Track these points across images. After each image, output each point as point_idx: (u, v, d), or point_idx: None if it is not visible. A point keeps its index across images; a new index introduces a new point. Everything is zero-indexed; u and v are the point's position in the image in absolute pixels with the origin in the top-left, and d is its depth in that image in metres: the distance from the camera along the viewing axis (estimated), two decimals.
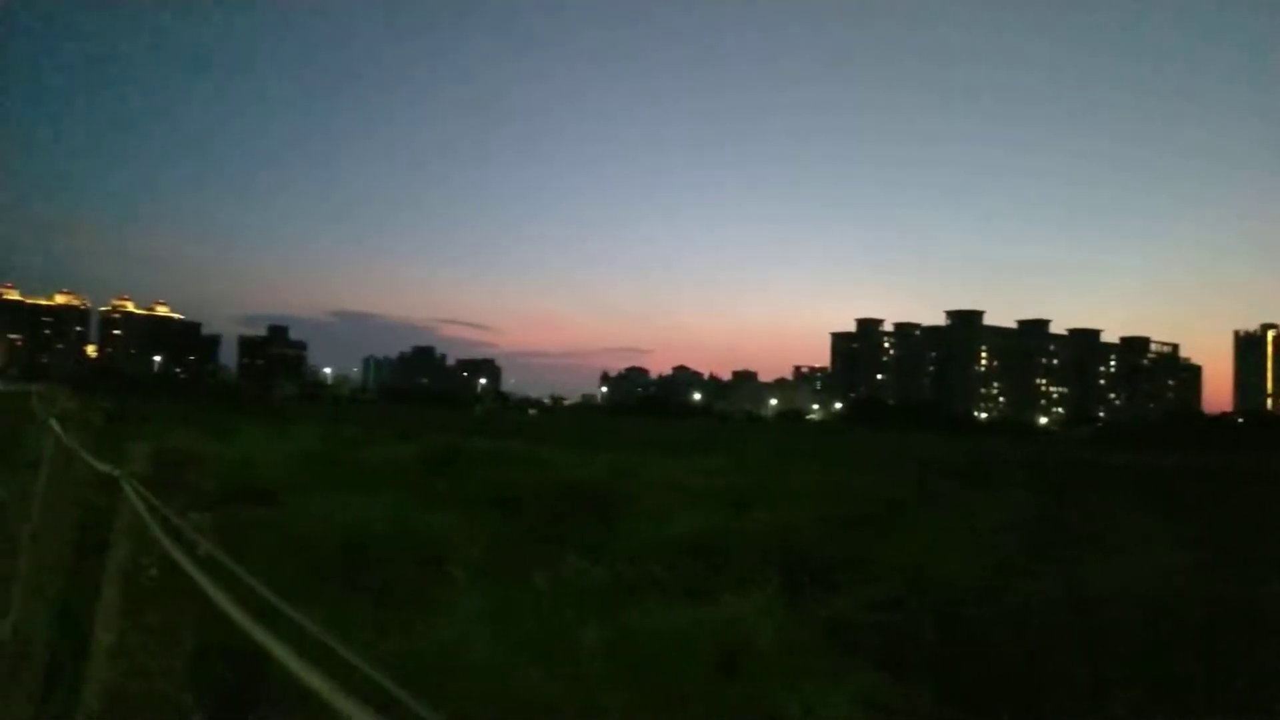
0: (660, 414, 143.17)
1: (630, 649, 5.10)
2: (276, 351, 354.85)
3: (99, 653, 1.67)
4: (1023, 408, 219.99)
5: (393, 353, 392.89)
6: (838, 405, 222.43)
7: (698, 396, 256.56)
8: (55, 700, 3.41)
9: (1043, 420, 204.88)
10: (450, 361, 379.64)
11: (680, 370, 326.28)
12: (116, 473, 1.71)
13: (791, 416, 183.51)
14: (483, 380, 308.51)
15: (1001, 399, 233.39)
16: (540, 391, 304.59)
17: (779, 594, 6.43)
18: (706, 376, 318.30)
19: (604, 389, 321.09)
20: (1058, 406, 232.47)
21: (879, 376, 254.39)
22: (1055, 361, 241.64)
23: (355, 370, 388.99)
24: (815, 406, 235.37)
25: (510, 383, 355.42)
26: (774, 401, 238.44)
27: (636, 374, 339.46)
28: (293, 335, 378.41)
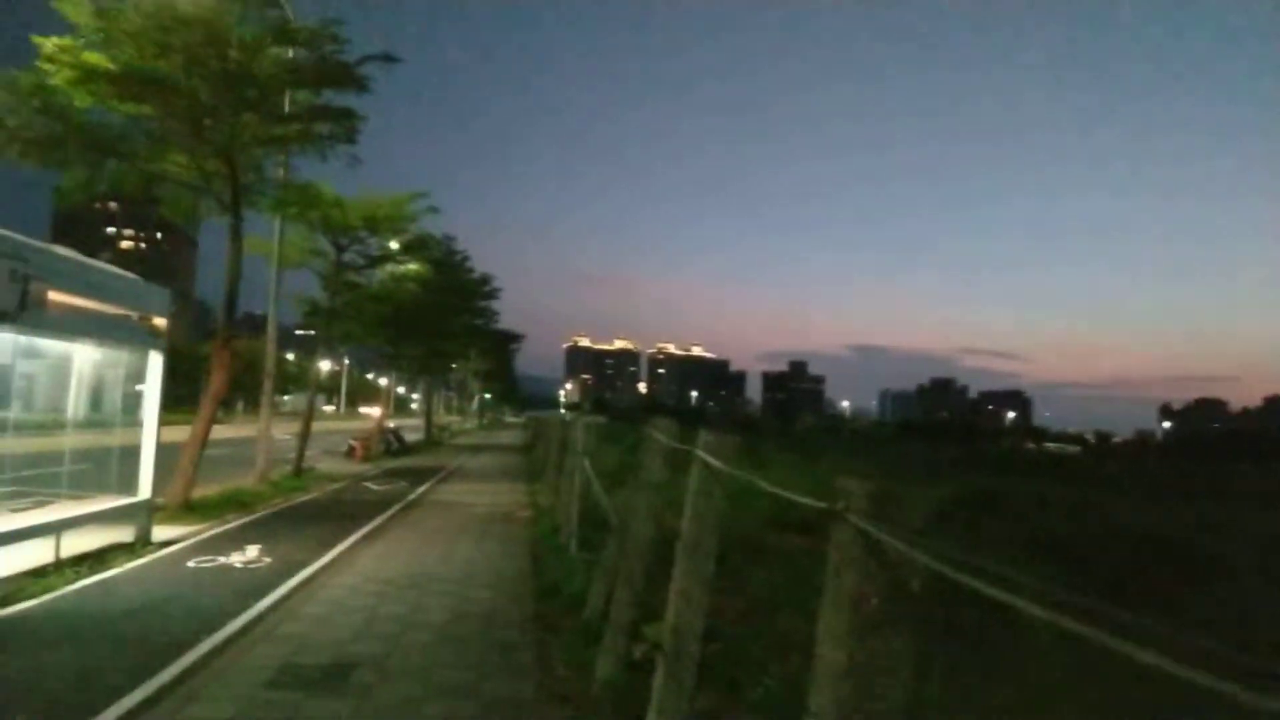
0: (1245, 454, 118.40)
1: None
2: (796, 386, 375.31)
3: (827, 669, 1.88)
4: None
5: (909, 385, 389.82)
6: None
7: None
8: (705, 695, 3.91)
9: None
10: (972, 393, 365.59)
11: (1275, 401, 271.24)
12: (837, 507, 1.92)
13: None
14: (1010, 414, 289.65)
15: None
16: (1081, 426, 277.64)
17: None
18: None
19: (1166, 424, 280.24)
20: None
21: None
22: None
23: (872, 403, 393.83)
24: None
25: (1044, 416, 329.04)
26: None
27: (1210, 406, 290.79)
28: (811, 370, 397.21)
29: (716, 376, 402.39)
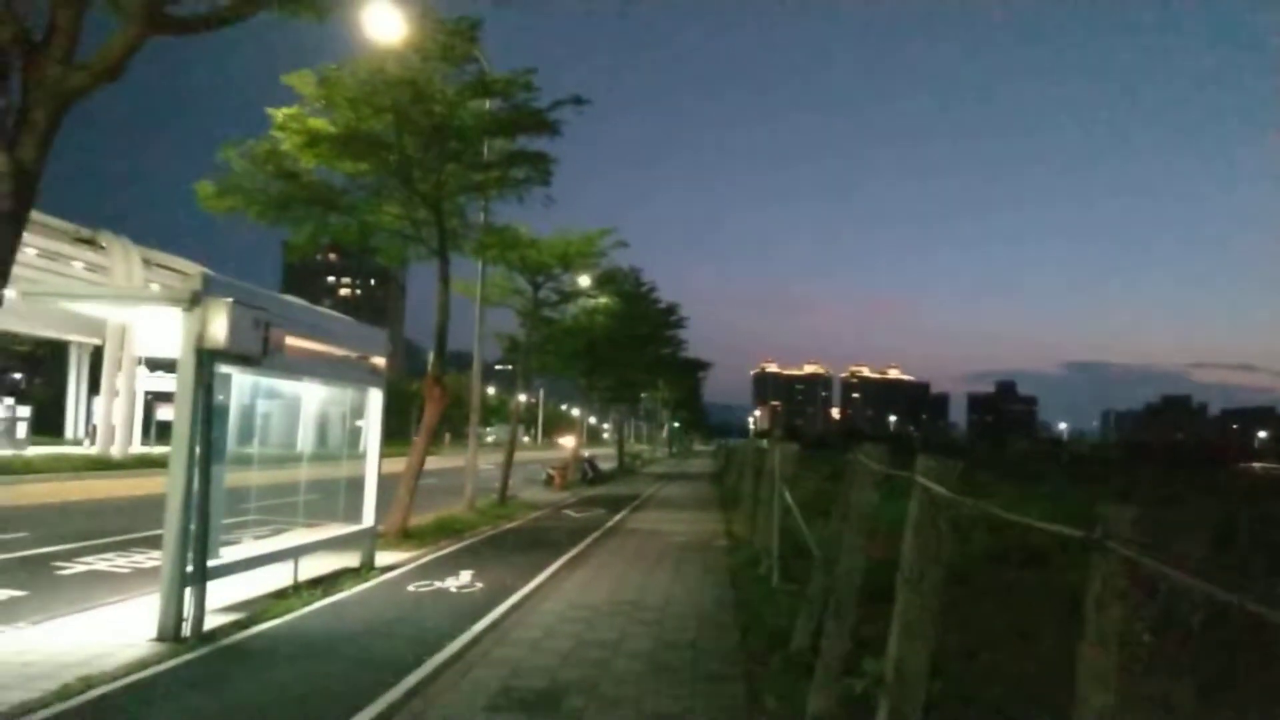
0: None
1: None
2: (1005, 407, 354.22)
3: (1090, 710, 1.67)
4: None
5: (1136, 403, 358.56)
6: None
7: None
8: None
9: None
10: (1212, 411, 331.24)
11: None
12: (1096, 535, 1.71)
13: None
14: (1261, 434, 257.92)
15: None
16: None
17: None
18: None
19: None
20: None
21: None
22: None
23: (1092, 424, 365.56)
24: None
25: None
26: None
27: None
28: (1021, 390, 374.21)
29: (916, 400, 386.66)
